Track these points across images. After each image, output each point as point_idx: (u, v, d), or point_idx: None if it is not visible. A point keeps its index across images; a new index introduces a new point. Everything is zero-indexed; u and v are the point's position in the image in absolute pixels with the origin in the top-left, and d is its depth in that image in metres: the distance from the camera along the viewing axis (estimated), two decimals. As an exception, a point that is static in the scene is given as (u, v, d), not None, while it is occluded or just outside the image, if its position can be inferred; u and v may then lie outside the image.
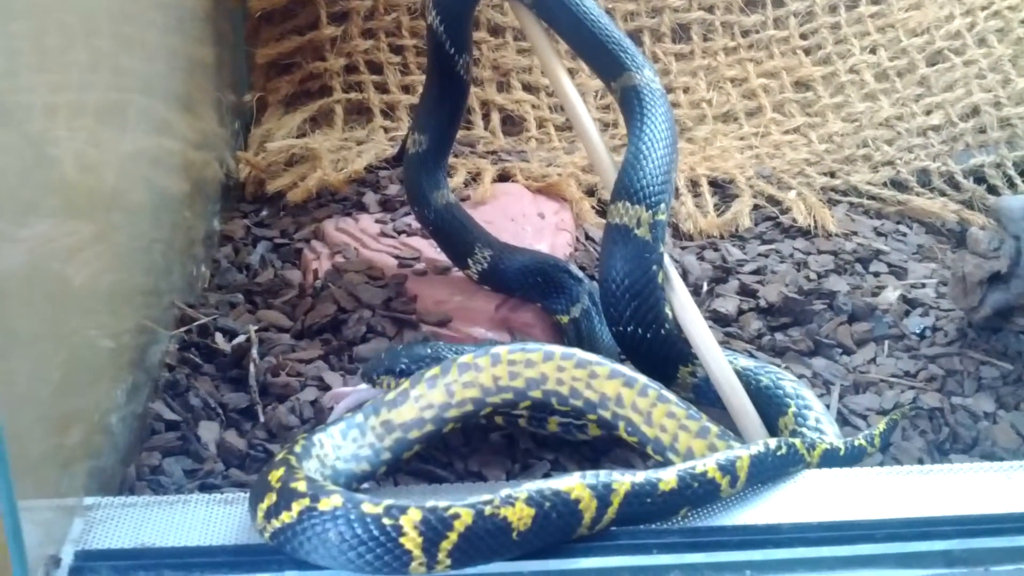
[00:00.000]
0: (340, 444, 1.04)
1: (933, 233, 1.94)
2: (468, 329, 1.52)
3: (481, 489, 1.11)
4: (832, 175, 2.03)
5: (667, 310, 1.34)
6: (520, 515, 0.91)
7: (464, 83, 1.58)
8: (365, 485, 1.08)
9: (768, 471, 1.09)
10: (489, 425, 1.29)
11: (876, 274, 1.77)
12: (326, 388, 1.39)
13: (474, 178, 1.95)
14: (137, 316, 1.41)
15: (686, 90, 2.23)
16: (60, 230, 1.15)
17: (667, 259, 1.36)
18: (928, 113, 2.10)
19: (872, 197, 1.98)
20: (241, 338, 1.49)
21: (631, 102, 1.43)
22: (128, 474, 1.22)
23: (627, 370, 1.12)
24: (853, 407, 1.43)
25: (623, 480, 0.98)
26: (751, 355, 1.52)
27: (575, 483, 0.96)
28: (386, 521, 0.88)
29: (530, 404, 1.12)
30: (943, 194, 2.00)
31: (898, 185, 2.02)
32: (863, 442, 1.21)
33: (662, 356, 1.35)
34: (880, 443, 1.25)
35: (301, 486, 0.92)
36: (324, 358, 1.45)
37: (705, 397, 1.35)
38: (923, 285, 1.74)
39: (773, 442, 1.10)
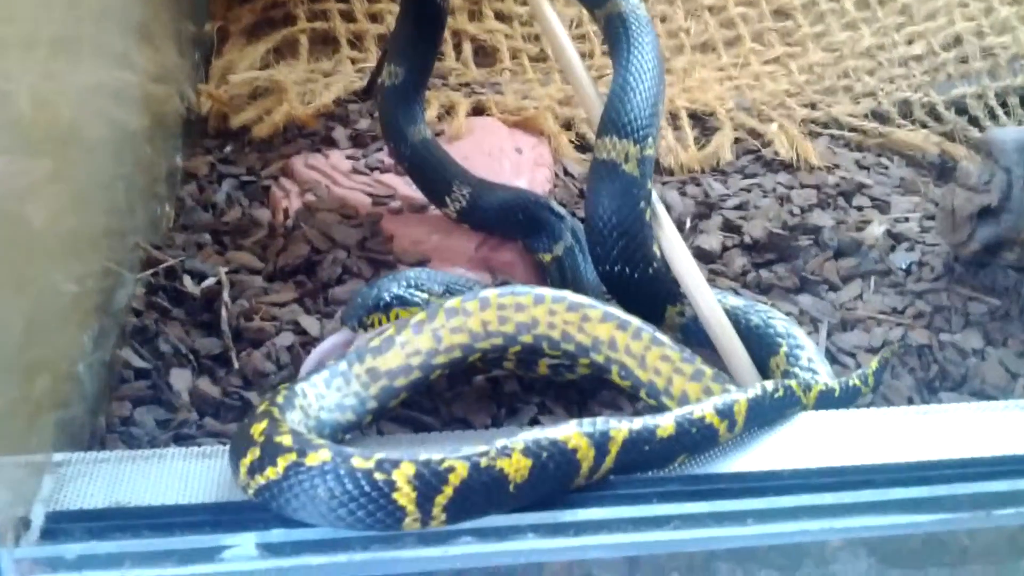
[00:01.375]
0: (324, 393, 1.00)
1: (914, 166, 1.91)
2: (448, 269, 1.47)
3: (470, 438, 1.08)
4: (813, 107, 1.99)
5: (655, 248, 1.30)
6: (517, 466, 0.88)
7: (442, 11, 1.51)
8: (348, 436, 1.03)
9: (765, 414, 1.06)
10: (473, 367, 1.25)
11: (860, 208, 1.74)
12: (302, 332, 1.34)
13: (447, 111, 1.88)
14: (101, 259, 1.35)
15: (663, 19, 2.17)
16: (15, 168, 1.08)
17: (654, 195, 1.31)
18: (910, 43, 2.06)
19: (853, 129, 1.94)
20: (210, 281, 1.43)
21: (616, 30, 1.37)
22: (98, 425, 1.16)
23: (620, 312, 1.08)
24: (841, 345, 1.40)
25: (620, 427, 0.94)
26: (736, 293, 1.48)
27: (572, 432, 0.92)
28: (378, 476, 0.84)
29: (520, 349, 1.08)
30: (924, 126, 1.97)
31: (879, 117, 1.98)
32: (857, 382, 1.19)
33: (650, 296, 1.32)
34: (873, 382, 1.22)
35: (286, 440, 0.87)
36: (299, 301, 1.40)
37: (694, 337, 1.32)
38: (907, 219, 1.71)
39: (770, 384, 1.07)
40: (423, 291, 1.21)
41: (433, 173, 1.53)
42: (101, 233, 1.37)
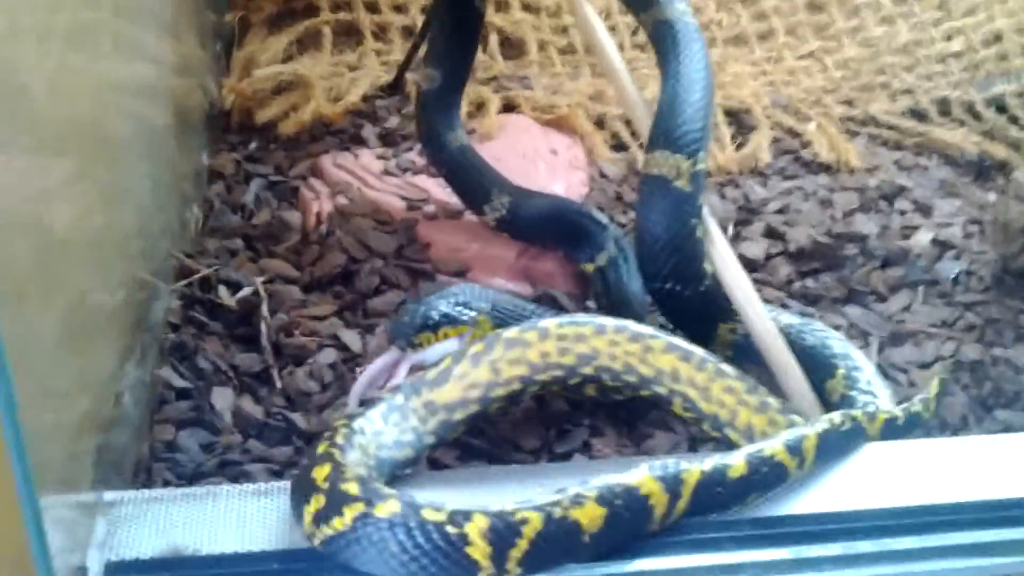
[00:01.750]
0: (382, 430, 0.96)
1: (951, 165, 1.87)
2: (487, 279, 1.44)
3: (526, 472, 1.05)
4: (850, 104, 1.94)
5: (707, 265, 1.27)
6: (591, 516, 0.85)
7: (480, 10, 1.47)
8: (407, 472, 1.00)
9: (833, 448, 1.03)
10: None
11: (902, 212, 1.70)
12: (343, 348, 1.31)
13: (477, 108, 1.83)
14: (131, 267, 1.30)
15: (694, 11, 2.11)
16: (35, 168, 1.02)
17: (706, 210, 1.28)
18: (948, 39, 2.01)
19: (891, 127, 1.90)
20: (246, 291, 1.39)
21: (663, 38, 1.33)
22: (142, 452, 1.13)
23: (683, 343, 1.05)
24: (893, 360, 1.37)
25: (692, 470, 0.91)
26: (783, 304, 1.45)
27: (643, 476, 0.89)
28: (450, 530, 0.81)
29: (580, 381, 1.04)
30: (963, 124, 1.93)
31: (917, 115, 1.94)
32: (919, 408, 1.16)
33: (701, 313, 1.29)
34: (934, 407, 1.19)
35: (353, 488, 0.84)
36: (339, 314, 1.36)
37: (745, 356, 1.29)
38: (950, 224, 1.67)
39: (837, 417, 1.04)
40: (471, 309, 1.17)
41: (472, 181, 1.49)
42: (129, 237, 1.32)
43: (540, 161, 1.67)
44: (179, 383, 1.22)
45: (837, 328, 1.40)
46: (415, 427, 0.98)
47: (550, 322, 1.02)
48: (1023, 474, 1.00)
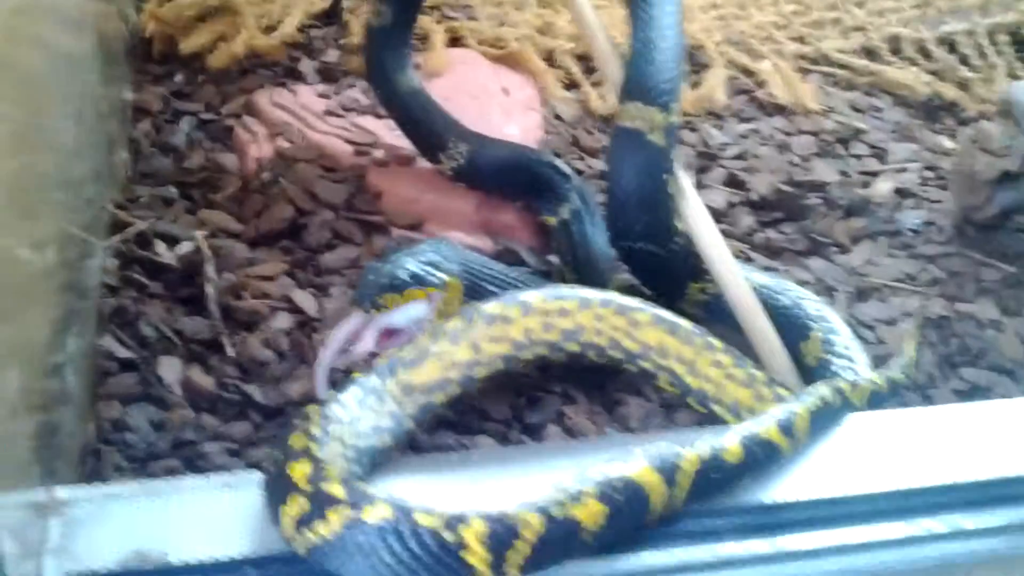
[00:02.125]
0: (358, 415, 0.90)
1: (903, 105, 1.86)
2: (444, 233, 1.36)
3: (509, 453, 1.00)
4: (802, 40, 1.90)
5: (678, 222, 1.22)
6: (591, 513, 0.80)
7: (433, -58, 1.37)
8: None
9: (824, 424, 1.00)
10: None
11: (858, 157, 1.68)
12: (297, 311, 1.22)
13: (421, 41, 1.73)
14: (57, 220, 1.19)
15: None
16: None
17: (678, 164, 1.22)
18: (899, -27, 1.97)
19: (843, 66, 1.87)
20: (187, 246, 1.30)
21: (635, -16, 1.25)
22: (88, 434, 1.05)
23: (669, 315, 1.00)
24: (860, 316, 1.35)
25: (689, 457, 0.87)
26: (746, 257, 1.42)
27: (642, 468, 0.84)
28: (447, 536, 0.76)
29: (564, 358, 0.99)
30: (914, 63, 1.90)
31: (869, 53, 1.91)
32: (899, 375, 1.14)
33: (672, 272, 1.24)
34: (912, 371, 1.17)
35: (337, 490, 0.78)
36: (289, 273, 1.28)
37: (715, 316, 1.25)
38: (905, 169, 1.66)
39: (827, 391, 1.01)
40: (440, 270, 1.09)
41: (426, 127, 1.40)
42: (53, 186, 1.20)
43: (493, 103, 1.58)
44: (122, 353, 1.13)
45: (802, 283, 1.37)
46: (393, 411, 0.92)
47: (533, 296, 0.96)
48: (1005, 448, 0.98)
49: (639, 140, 1.17)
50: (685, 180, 1.22)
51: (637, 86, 1.19)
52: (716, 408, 1.01)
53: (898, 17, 1.93)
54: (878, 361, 1.21)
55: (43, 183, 1.17)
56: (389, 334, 1.06)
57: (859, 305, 1.37)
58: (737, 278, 1.20)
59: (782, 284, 1.24)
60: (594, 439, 1.03)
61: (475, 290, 1.13)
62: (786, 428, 0.94)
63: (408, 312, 1.06)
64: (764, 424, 0.94)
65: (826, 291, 1.38)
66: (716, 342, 1.01)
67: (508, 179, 1.38)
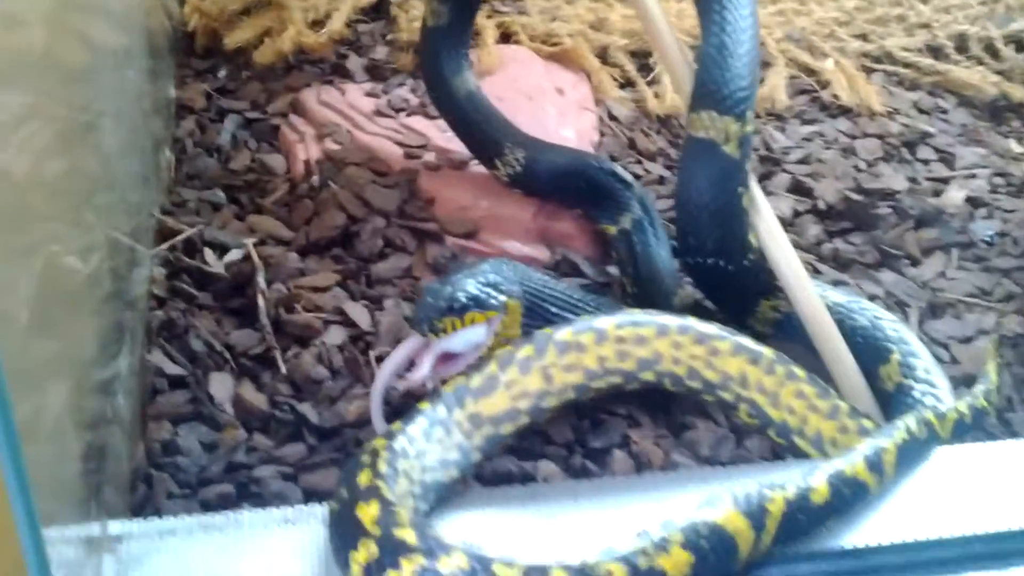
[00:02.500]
0: (424, 449, 0.85)
1: (968, 106, 1.78)
2: (500, 242, 1.31)
3: (581, 488, 0.95)
4: (865, 38, 1.83)
5: (752, 237, 1.16)
6: (677, 562, 0.75)
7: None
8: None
9: (911, 459, 0.95)
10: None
11: (925, 161, 1.61)
12: (351, 324, 1.18)
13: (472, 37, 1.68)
14: (103, 225, 1.15)
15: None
16: None
17: (752, 177, 1.17)
18: (967, -32, 1.90)
19: (908, 65, 1.80)
20: (235, 254, 1.26)
21: (706, -18, 1.18)
22: (138, 456, 1.00)
23: (751, 343, 0.95)
24: (933, 334, 1.29)
25: (776, 498, 0.82)
26: (815, 270, 1.36)
27: (729, 512, 0.79)
28: (528, 589, 0.71)
29: (639, 387, 0.94)
30: (980, 62, 1.83)
31: (934, 51, 1.83)
32: (983, 402, 1.08)
33: (743, 289, 1.19)
34: (996, 397, 1.11)
35: (409, 536, 0.73)
36: (341, 284, 1.23)
37: (787, 334, 1.20)
38: (975, 175, 1.59)
39: (912, 422, 0.96)
40: (500, 292, 1.04)
41: (482, 132, 1.35)
42: (98, 188, 1.16)
43: (547, 103, 1.53)
44: (171, 369, 1.09)
45: (873, 298, 1.32)
46: (460, 443, 0.87)
47: (607, 322, 0.91)
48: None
49: (713, 151, 1.11)
50: (759, 193, 1.16)
51: (710, 94, 1.13)
52: (798, 441, 0.96)
53: (965, 14, 1.86)
54: (954, 383, 1.16)
55: (89, 186, 1.13)
56: (446, 359, 1.01)
57: (932, 322, 1.31)
58: (812, 298, 1.14)
59: (858, 303, 1.18)
60: (667, 473, 0.98)
61: (535, 311, 1.07)
62: (874, 465, 0.89)
63: (467, 336, 1.01)
64: (851, 461, 0.89)
65: (898, 306, 1.32)
66: (799, 371, 0.95)
67: (566, 186, 1.32)
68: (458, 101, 1.34)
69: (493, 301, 1.02)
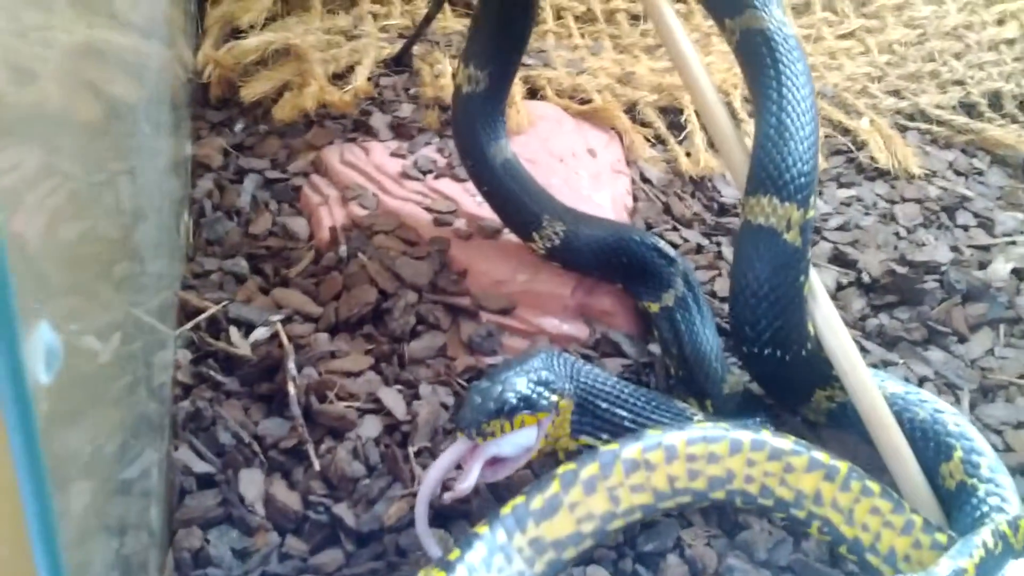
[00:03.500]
0: (485, 580, 0.79)
1: (1001, 164, 1.75)
2: (538, 320, 1.26)
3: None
4: (898, 95, 1.79)
5: (809, 326, 1.11)
6: None
7: (533, 1, 1.26)
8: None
9: (988, 574, 0.89)
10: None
11: (965, 228, 1.57)
12: (386, 414, 1.12)
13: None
14: (123, 299, 1.08)
15: None
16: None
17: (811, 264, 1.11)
18: (1000, 23, 1.86)
19: (942, 123, 1.76)
20: (262, 332, 1.20)
21: (757, 53, 1.14)
22: (167, 568, 0.94)
23: (825, 457, 0.89)
24: (986, 419, 1.24)
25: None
26: (860, 347, 1.31)
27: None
28: None
29: (707, 505, 0.89)
30: (1015, 120, 1.79)
31: (968, 109, 1.80)
32: (1054, 505, 1.03)
33: (799, 379, 1.13)
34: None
35: None
36: (375, 367, 1.17)
37: (842, 424, 1.15)
38: (1015, 243, 1.54)
39: (988, 537, 0.91)
40: (552, 391, 0.98)
41: (520, 204, 1.29)
42: (115, 256, 1.09)
43: (581, 167, 1.47)
44: (200, 468, 1.03)
45: (922, 381, 1.27)
46: (521, 571, 0.82)
47: (678, 438, 0.86)
48: None
49: (773, 240, 1.06)
50: (817, 280, 1.11)
51: (770, 178, 1.07)
52: (870, 558, 0.91)
53: (999, 71, 1.82)
54: (1010, 471, 1.10)
55: (107, 254, 1.06)
56: (494, 463, 0.95)
57: (983, 406, 1.26)
58: (871, 390, 1.09)
59: (918, 395, 1.13)
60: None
61: (586, 407, 1.02)
62: (957, 589, 0.84)
63: (516, 440, 0.95)
64: (935, 587, 0.83)
65: (948, 388, 1.28)
66: (873, 485, 0.90)
67: (606, 261, 1.27)
68: (495, 171, 1.28)
69: (544, 402, 0.97)
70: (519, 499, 0.84)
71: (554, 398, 0.97)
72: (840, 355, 1.10)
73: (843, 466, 0.89)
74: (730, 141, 1.15)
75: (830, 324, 1.11)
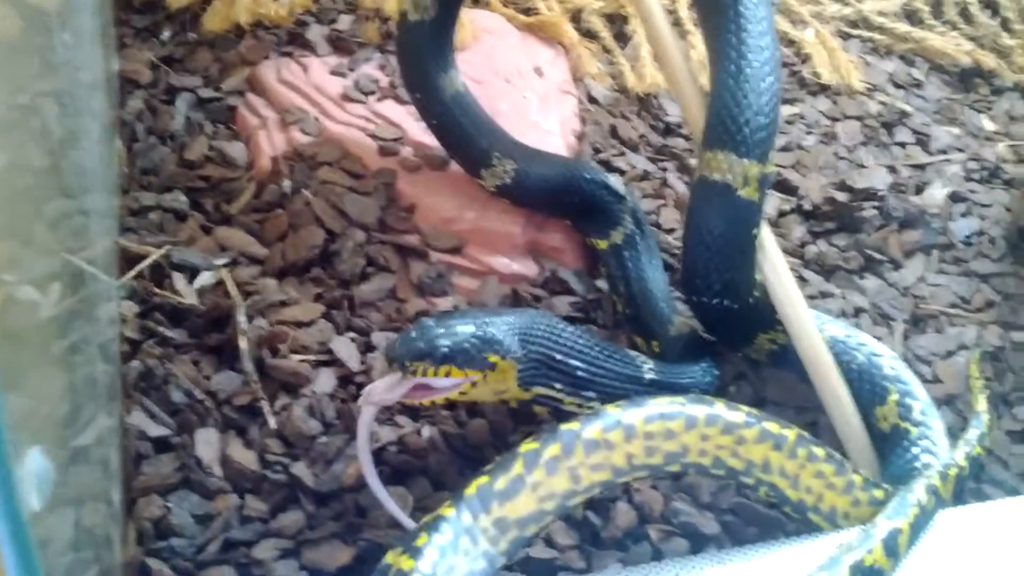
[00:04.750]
0: (453, 564, 0.82)
1: (938, 71, 1.76)
2: (488, 258, 1.26)
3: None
4: (842, 0, 1.77)
5: (757, 275, 1.13)
6: None
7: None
8: None
9: (920, 530, 0.95)
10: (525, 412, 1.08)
11: (903, 144, 1.59)
12: (339, 365, 1.12)
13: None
14: (59, 241, 1.04)
15: None
16: None
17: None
18: (946, -75, 1.83)
19: (884, 31, 1.75)
20: (207, 277, 1.18)
21: (714, -6, 1.11)
22: (130, 541, 0.95)
23: (775, 427, 0.92)
24: (917, 350, 1.29)
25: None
26: (800, 277, 1.34)
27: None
28: None
29: (662, 476, 0.92)
30: (955, 27, 1.79)
31: (910, 15, 1.79)
32: (979, 449, 1.09)
33: (745, 325, 1.16)
34: (989, 439, 1.13)
35: None
36: (326, 315, 1.16)
37: (782, 364, 1.19)
38: (950, 160, 1.58)
39: (921, 491, 0.96)
40: (496, 351, 0.99)
41: (469, 140, 1.26)
42: (48, 192, 1.04)
43: (528, 88, 1.44)
44: (155, 431, 1.03)
45: (858, 312, 1.31)
46: (487, 551, 0.84)
47: (635, 416, 0.88)
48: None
49: (728, 197, 1.06)
50: (767, 232, 1.13)
51: (726, 132, 1.06)
52: (812, 516, 0.96)
53: (943, -25, 1.81)
54: (937, 403, 1.16)
55: (38, 189, 1.02)
56: (421, 388, 0.98)
57: (916, 338, 1.31)
58: (813, 338, 1.13)
59: (856, 336, 1.17)
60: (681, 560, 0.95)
61: (542, 363, 1.03)
62: (891, 549, 0.91)
63: (441, 383, 0.97)
64: (871, 550, 0.89)
65: (883, 320, 1.32)
66: (819, 450, 0.94)
67: (557, 199, 1.26)
68: (445, 105, 1.25)
69: (476, 360, 0.98)
70: (483, 479, 0.86)
71: (492, 359, 0.98)
72: (786, 304, 1.13)
73: (791, 434, 0.92)
74: (693, 100, 1.13)
75: (778, 274, 1.13)
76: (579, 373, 1.06)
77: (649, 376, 1.08)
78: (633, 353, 1.11)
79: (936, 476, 0.99)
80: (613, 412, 0.88)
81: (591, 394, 1.05)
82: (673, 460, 0.89)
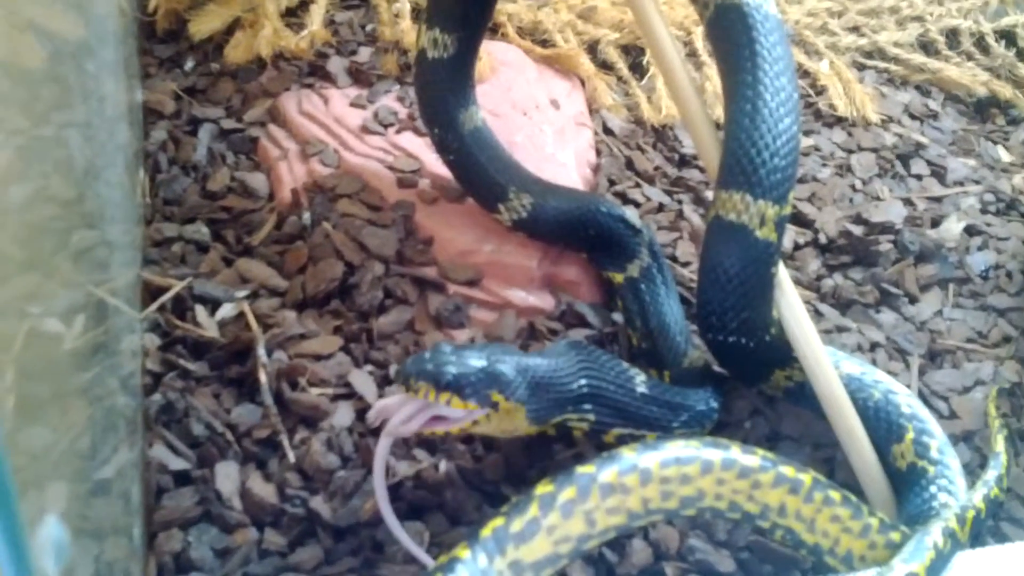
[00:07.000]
0: (469, 606, 0.83)
1: (953, 102, 1.77)
2: (504, 291, 1.27)
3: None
4: (858, 31, 1.78)
5: (774, 312, 1.13)
6: None
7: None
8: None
9: (938, 572, 0.96)
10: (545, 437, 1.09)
11: (918, 177, 1.59)
12: (359, 399, 1.13)
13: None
14: (82, 273, 1.05)
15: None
16: None
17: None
18: (961, -43, 1.84)
19: (899, 62, 1.76)
20: (228, 309, 1.19)
21: (732, 31, 1.11)
22: (150, 573, 0.96)
23: (790, 470, 0.93)
24: (933, 386, 1.29)
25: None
26: (815, 311, 1.35)
27: None
28: None
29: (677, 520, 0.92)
30: (970, 58, 1.80)
31: (925, 47, 1.80)
32: (996, 490, 1.09)
33: (761, 362, 1.16)
34: (1007, 481, 1.13)
35: None
36: (344, 348, 1.17)
37: (798, 401, 1.19)
38: (967, 192, 1.58)
39: (939, 536, 0.96)
40: (501, 391, 1.00)
41: (486, 175, 1.27)
42: (72, 223, 1.05)
43: (545, 121, 1.45)
44: (175, 464, 1.04)
45: (874, 347, 1.32)
46: (502, 593, 0.85)
47: (652, 461, 0.88)
48: None
49: (745, 238, 1.06)
50: (783, 271, 1.13)
51: (742, 173, 1.06)
52: (829, 560, 0.96)
53: (958, 7, 1.82)
54: (953, 440, 1.17)
55: (62, 220, 1.03)
56: (436, 419, 0.99)
57: (932, 373, 1.31)
58: (829, 375, 1.13)
59: (872, 374, 1.17)
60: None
61: (541, 400, 1.04)
62: (909, 593, 0.90)
63: (452, 413, 0.99)
64: (889, 595, 0.89)
65: (899, 355, 1.32)
66: (835, 494, 0.95)
67: (572, 233, 1.27)
68: (463, 141, 1.26)
69: (477, 396, 0.99)
70: (498, 521, 0.87)
71: (496, 397, 0.99)
72: (802, 342, 1.13)
73: (807, 478, 0.93)
74: (707, 141, 1.13)
75: (793, 311, 1.13)
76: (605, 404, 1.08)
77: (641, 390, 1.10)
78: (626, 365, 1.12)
79: (953, 518, 1.00)
80: (629, 456, 0.89)
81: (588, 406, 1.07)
82: (689, 504, 0.90)
